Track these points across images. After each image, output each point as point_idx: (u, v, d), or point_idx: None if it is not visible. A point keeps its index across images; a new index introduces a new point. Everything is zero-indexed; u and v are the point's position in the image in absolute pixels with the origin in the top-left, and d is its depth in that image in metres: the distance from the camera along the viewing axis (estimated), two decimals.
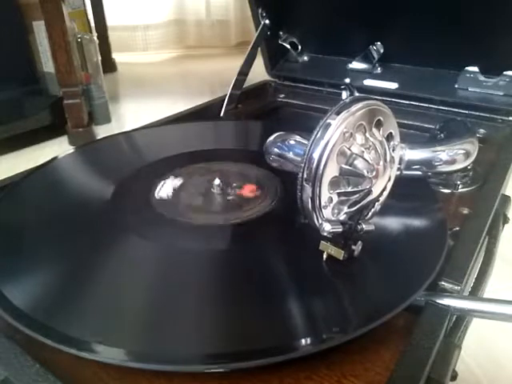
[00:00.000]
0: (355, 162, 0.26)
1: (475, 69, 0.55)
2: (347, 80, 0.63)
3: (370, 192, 0.27)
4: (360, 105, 0.25)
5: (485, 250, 0.33)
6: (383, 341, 0.24)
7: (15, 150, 0.82)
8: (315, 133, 0.25)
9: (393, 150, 0.28)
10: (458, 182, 0.40)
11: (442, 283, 0.26)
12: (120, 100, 1.15)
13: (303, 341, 0.22)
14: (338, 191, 0.26)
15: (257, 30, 0.65)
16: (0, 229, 0.32)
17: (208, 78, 1.33)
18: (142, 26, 1.65)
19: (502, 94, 0.53)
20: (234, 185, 0.38)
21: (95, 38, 0.93)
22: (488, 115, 0.53)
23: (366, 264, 0.28)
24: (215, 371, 0.22)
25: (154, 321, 0.24)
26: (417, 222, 0.33)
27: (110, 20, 1.40)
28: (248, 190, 0.36)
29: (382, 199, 0.29)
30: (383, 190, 0.28)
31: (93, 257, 0.29)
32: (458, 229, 0.33)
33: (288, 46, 0.69)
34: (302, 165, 0.25)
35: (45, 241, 0.31)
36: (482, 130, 0.51)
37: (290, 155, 0.35)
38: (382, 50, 0.62)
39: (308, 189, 0.25)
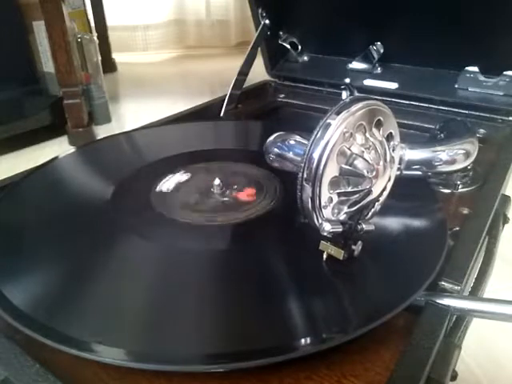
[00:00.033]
0: (355, 162, 0.26)
1: (475, 69, 0.55)
2: (347, 80, 0.63)
3: (370, 192, 0.27)
4: (360, 105, 0.25)
5: (485, 250, 0.33)
6: (383, 341, 0.24)
7: (15, 150, 0.82)
8: (315, 133, 0.25)
9: (393, 150, 0.28)
10: (458, 182, 0.40)
11: (442, 283, 0.26)
12: (120, 100, 1.15)
13: (303, 341, 0.22)
14: (338, 191, 0.26)
15: (257, 30, 0.65)
16: (0, 229, 0.32)
17: (208, 78, 1.33)
18: (142, 26, 1.65)
19: (502, 94, 0.53)
20: (235, 187, 0.37)
21: (95, 37, 0.93)
22: (488, 115, 0.53)
23: (365, 264, 0.28)
24: (215, 371, 0.22)
25: (154, 321, 0.24)
26: (417, 222, 0.33)
27: (110, 20, 1.40)
28: (245, 194, 0.36)
29: (382, 199, 0.29)
30: (383, 189, 0.28)
31: (93, 257, 0.29)
32: (458, 229, 0.33)
33: (288, 46, 0.69)
34: (302, 165, 0.25)
35: (45, 241, 0.31)
36: (482, 130, 0.51)
37: (290, 155, 0.35)
38: (382, 50, 0.61)
39: (308, 189, 0.25)
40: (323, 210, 0.26)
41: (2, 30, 0.89)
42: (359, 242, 0.27)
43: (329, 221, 0.26)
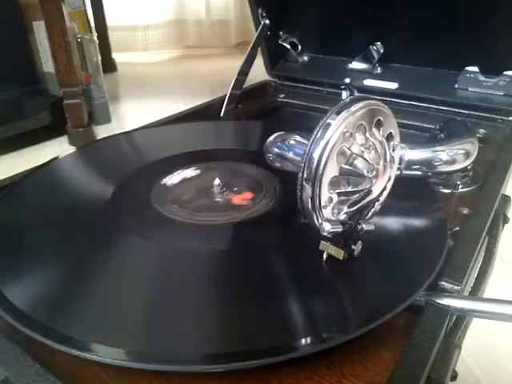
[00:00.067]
0: (355, 162, 0.26)
1: (475, 69, 0.55)
2: (347, 80, 0.63)
3: (369, 192, 0.27)
4: (360, 105, 0.25)
5: (485, 250, 0.33)
6: (383, 341, 0.24)
7: (15, 150, 0.82)
8: (315, 133, 0.25)
9: (393, 150, 0.28)
10: (458, 182, 0.40)
11: (442, 283, 0.26)
12: (120, 100, 1.15)
13: (303, 341, 0.22)
14: (337, 191, 0.26)
15: (257, 30, 0.65)
16: (0, 229, 0.32)
17: (208, 77, 1.33)
18: (142, 26, 1.65)
19: (502, 94, 0.53)
20: (236, 189, 0.37)
21: (95, 37, 0.93)
22: (488, 115, 0.53)
23: (365, 264, 0.28)
24: (215, 371, 0.22)
25: (154, 321, 0.24)
26: (417, 222, 0.33)
27: (110, 20, 1.40)
28: (240, 198, 0.36)
29: (382, 199, 0.29)
30: (383, 189, 0.28)
31: (93, 257, 0.29)
32: (457, 229, 0.33)
33: (288, 46, 0.69)
34: (302, 164, 0.25)
35: (45, 241, 0.31)
36: (482, 130, 0.51)
37: (290, 155, 0.35)
38: (382, 50, 0.61)
39: (308, 188, 0.25)
40: (323, 209, 0.26)
41: (2, 29, 0.89)
42: (359, 242, 0.27)
43: (329, 221, 0.26)
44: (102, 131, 0.92)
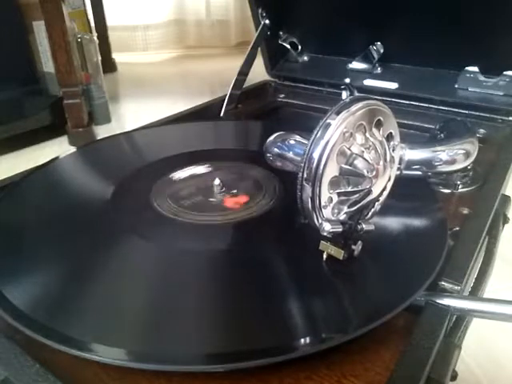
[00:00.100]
0: (355, 162, 0.26)
1: (475, 69, 0.55)
2: (347, 80, 0.63)
3: (369, 192, 0.27)
4: (360, 105, 0.25)
5: (485, 250, 0.33)
6: (383, 341, 0.24)
7: (15, 150, 0.82)
8: (315, 132, 0.25)
9: (393, 150, 0.28)
10: (458, 182, 0.40)
11: (442, 283, 0.26)
12: (120, 100, 1.15)
13: (303, 341, 0.22)
14: (337, 191, 0.26)
15: (257, 30, 0.65)
16: (0, 229, 0.32)
17: (208, 77, 1.33)
18: (142, 26, 1.65)
19: (502, 94, 0.53)
20: (235, 191, 0.37)
21: (95, 37, 0.93)
22: (488, 115, 0.53)
23: (365, 264, 0.28)
24: (215, 371, 0.22)
25: (154, 321, 0.24)
26: (417, 222, 0.33)
27: (110, 20, 1.40)
28: (233, 201, 0.36)
29: (382, 199, 0.29)
30: (383, 189, 0.28)
31: (93, 257, 0.29)
32: (457, 229, 0.33)
33: (288, 46, 0.69)
34: (302, 164, 0.25)
35: (45, 241, 0.31)
36: (482, 130, 0.51)
37: (290, 155, 0.35)
38: (382, 50, 0.61)
39: (308, 188, 0.25)
40: (323, 209, 0.26)
41: (2, 29, 0.89)
42: (359, 242, 0.27)
43: (329, 221, 0.26)
44: (102, 131, 0.92)
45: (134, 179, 0.39)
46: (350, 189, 0.27)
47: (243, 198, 0.36)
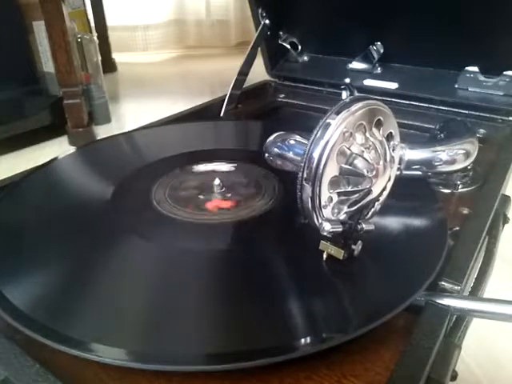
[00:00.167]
0: (355, 162, 0.26)
1: (475, 69, 0.55)
2: (347, 80, 0.63)
3: (369, 191, 0.27)
4: (360, 104, 0.25)
5: (485, 250, 0.33)
6: (383, 341, 0.24)
7: (15, 150, 0.82)
8: (315, 132, 0.25)
9: (393, 150, 0.28)
10: (458, 182, 0.40)
11: (442, 283, 0.26)
12: (120, 100, 1.15)
13: (303, 341, 0.22)
14: (337, 191, 0.26)
15: (257, 30, 0.65)
16: (0, 229, 0.32)
17: (208, 77, 1.33)
18: (142, 26, 1.65)
19: (502, 94, 0.53)
20: (229, 195, 0.37)
21: (95, 37, 0.93)
22: (488, 115, 0.53)
23: (365, 264, 0.28)
24: (215, 371, 0.22)
25: (154, 321, 0.24)
26: (417, 222, 0.33)
27: (110, 20, 1.40)
28: (215, 205, 0.35)
29: (382, 199, 0.29)
30: (383, 189, 0.28)
31: (93, 257, 0.29)
32: (458, 229, 0.33)
33: (288, 46, 0.69)
34: (302, 164, 0.25)
35: (45, 241, 0.31)
36: (482, 130, 0.51)
37: (290, 155, 0.35)
38: (382, 50, 0.61)
39: (308, 188, 0.25)
40: (323, 209, 0.26)
41: (2, 29, 0.89)
42: (359, 242, 0.27)
43: (329, 220, 0.26)
44: (102, 131, 0.92)
45: (134, 179, 0.39)
46: (349, 188, 0.27)
47: (228, 203, 0.36)
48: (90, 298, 0.26)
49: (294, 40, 0.69)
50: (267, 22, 0.65)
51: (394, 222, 0.33)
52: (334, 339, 0.22)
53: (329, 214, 0.27)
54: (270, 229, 0.33)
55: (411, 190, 0.35)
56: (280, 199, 0.36)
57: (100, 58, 0.95)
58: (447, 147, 0.37)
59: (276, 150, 0.36)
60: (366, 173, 0.26)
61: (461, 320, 0.27)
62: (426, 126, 0.53)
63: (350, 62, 0.65)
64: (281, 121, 0.66)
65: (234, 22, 1.70)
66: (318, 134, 0.25)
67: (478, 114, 0.53)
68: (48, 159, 0.42)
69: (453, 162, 0.37)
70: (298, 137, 0.35)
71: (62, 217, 0.34)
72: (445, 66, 0.58)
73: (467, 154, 0.37)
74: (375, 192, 0.27)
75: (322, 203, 0.26)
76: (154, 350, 0.22)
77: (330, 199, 0.26)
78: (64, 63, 0.80)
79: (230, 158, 0.43)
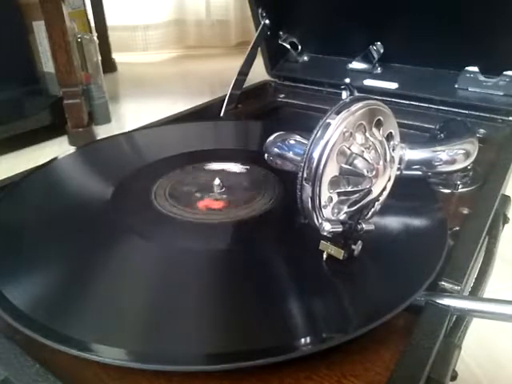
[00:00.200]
0: (355, 162, 0.26)
1: (475, 69, 0.55)
2: (347, 80, 0.63)
3: (369, 191, 0.27)
4: (360, 104, 0.25)
5: (485, 250, 0.33)
6: (383, 341, 0.24)
7: (15, 150, 0.82)
8: (315, 132, 0.25)
9: (393, 150, 0.28)
10: (458, 182, 0.40)
11: (442, 283, 0.26)
12: (120, 100, 1.15)
13: (303, 341, 0.22)
14: (337, 191, 0.26)
15: (257, 30, 0.65)
16: (0, 229, 0.32)
17: (208, 78, 1.33)
18: (142, 26, 1.65)
19: (502, 94, 0.53)
20: (224, 196, 0.37)
21: (95, 38, 0.93)
22: (488, 115, 0.53)
23: (365, 264, 0.28)
24: (215, 371, 0.22)
25: (154, 321, 0.24)
26: (417, 222, 0.33)
27: (110, 20, 1.40)
28: (204, 205, 0.35)
29: (382, 199, 0.29)
30: (383, 189, 0.28)
31: (93, 257, 0.29)
32: (458, 229, 0.33)
33: (288, 46, 0.69)
34: (302, 164, 0.25)
35: (45, 241, 0.31)
36: (482, 130, 0.51)
37: (290, 155, 0.35)
38: (381, 50, 0.61)
39: (308, 188, 0.25)
40: (323, 209, 0.26)
41: (2, 29, 0.89)
42: (359, 242, 0.27)
43: (329, 220, 0.26)
44: (102, 131, 0.92)
45: (134, 179, 0.39)
46: (349, 188, 0.27)
47: (219, 204, 0.36)
48: (90, 298, 0.26)
49: (294, 40, 0.69)
50: (267, 21, 0.65)
51: (393, 222, 0.33)
52: (334, 339, 0.22)
53: (329, 214, 0.27)
54: (270, 229, 0.33)
55: (411, 190, 0.35)
56: (280, 199, 0.36)
57: (100, 58, 0.95)
58: (447, 147, 0.37)
59: (276, 149, 0.36)
60: (366, 173, 0.26)
61: (461, 320, 0.27)
62: (426, 125, 0.53)
63: (350, 62, 0.65)
64: (281, 121, 0.66)
65: (234, 21, 1.70)
66: (318, 134, 0.25)
67: (478, 114, 0.53)
68: (48, 159, 0.42)
69: (453, 161, 0.37)
70: (298, 137, 0.35)
71: (61, 217, 0.34)
72: (445, 66, 0.58)
73: (467, 154, 0.37)
74: (375, 192, 0.27)
75: (322, 203, 0.26)
76: (154, 350, 0.22)
77: (330, 199, 0.26)
78: (64, 63, 0.80)
79: (230, 158, 0.43)
